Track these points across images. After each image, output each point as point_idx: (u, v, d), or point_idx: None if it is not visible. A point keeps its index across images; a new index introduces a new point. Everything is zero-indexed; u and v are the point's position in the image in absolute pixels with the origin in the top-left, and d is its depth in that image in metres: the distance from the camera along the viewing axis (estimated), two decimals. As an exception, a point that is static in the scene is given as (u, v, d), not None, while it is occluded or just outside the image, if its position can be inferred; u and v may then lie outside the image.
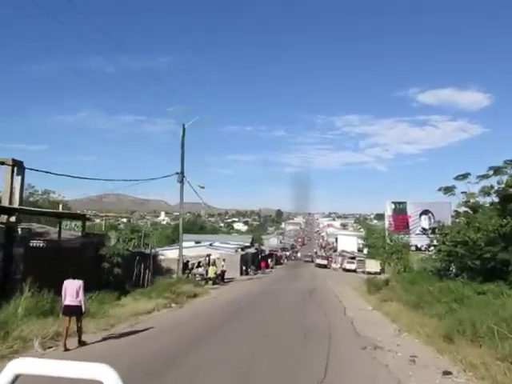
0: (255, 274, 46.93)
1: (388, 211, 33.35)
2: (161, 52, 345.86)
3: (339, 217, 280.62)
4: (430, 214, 27.87)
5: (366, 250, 70.92)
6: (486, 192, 19.54)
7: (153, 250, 26.26)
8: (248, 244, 59.86)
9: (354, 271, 62.89)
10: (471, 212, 20.99)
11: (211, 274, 32.25)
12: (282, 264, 76.16)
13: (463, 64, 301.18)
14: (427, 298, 15.12)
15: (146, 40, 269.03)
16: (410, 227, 30.13)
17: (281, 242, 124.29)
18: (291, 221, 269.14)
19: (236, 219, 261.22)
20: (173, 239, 53.07)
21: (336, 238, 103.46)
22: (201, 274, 32.94)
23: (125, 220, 67.68)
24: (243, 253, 49.06)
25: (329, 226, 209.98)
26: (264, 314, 16.62)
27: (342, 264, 69.58)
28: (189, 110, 44.71)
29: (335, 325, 13.90)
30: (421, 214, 28.67)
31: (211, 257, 38.06)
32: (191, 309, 18.18)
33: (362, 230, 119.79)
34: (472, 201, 21.04)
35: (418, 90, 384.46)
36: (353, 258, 70.07)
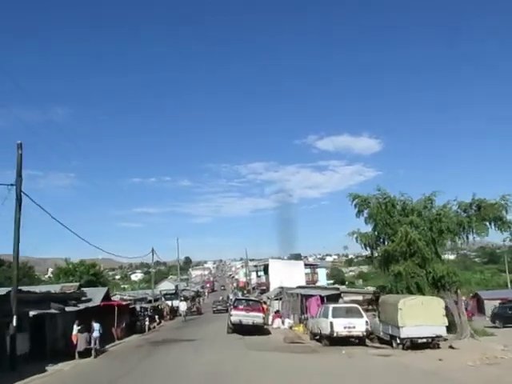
0: None
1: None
2: (55, 103, 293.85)
3: (252, 260, 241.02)
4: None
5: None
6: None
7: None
8: None
9: (361, 341, 17.98)
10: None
11: None
12: (147, 332, 28.15)
13: (356, 111, 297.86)
14: None
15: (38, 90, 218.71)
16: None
17: (176, 288, 74.20)
18: (200, 266, 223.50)
19: (139, 270, 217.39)
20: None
21: (265, 266, 57.37)
22: None
23: None
24: None
25: (243, 267, 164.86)
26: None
27: (306, 320, 23.85)
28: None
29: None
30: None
31: None
32: None
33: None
34: None
35: (316, 137, 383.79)
36: (337, 293, 24.83)
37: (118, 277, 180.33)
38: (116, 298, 39.94)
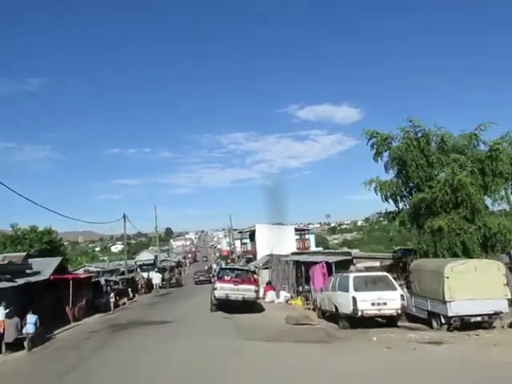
0: None
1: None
2: (30, 73, 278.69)
3: (235, 230, 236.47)
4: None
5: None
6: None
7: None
8: None
9: (392, 321, 13.00)
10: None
11: None
12: (113, 309, 22.85)
13: (336, 81, 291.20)
14: None
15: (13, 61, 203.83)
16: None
17: (155, 258, 68.51)
18: (181, 237, 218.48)
19: (119, 242, 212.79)
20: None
21: (251, 233, 52.52)
22: None
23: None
24: None
25: (226, 236, 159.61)
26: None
27: (306, 293, 18.98)
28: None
29: None
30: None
31: None
32: None
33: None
34: None
35: (296, 106, 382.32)
36: (348, 259, 19.80)
37: (97, 249, 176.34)
38: (81, 270, 34.58)
